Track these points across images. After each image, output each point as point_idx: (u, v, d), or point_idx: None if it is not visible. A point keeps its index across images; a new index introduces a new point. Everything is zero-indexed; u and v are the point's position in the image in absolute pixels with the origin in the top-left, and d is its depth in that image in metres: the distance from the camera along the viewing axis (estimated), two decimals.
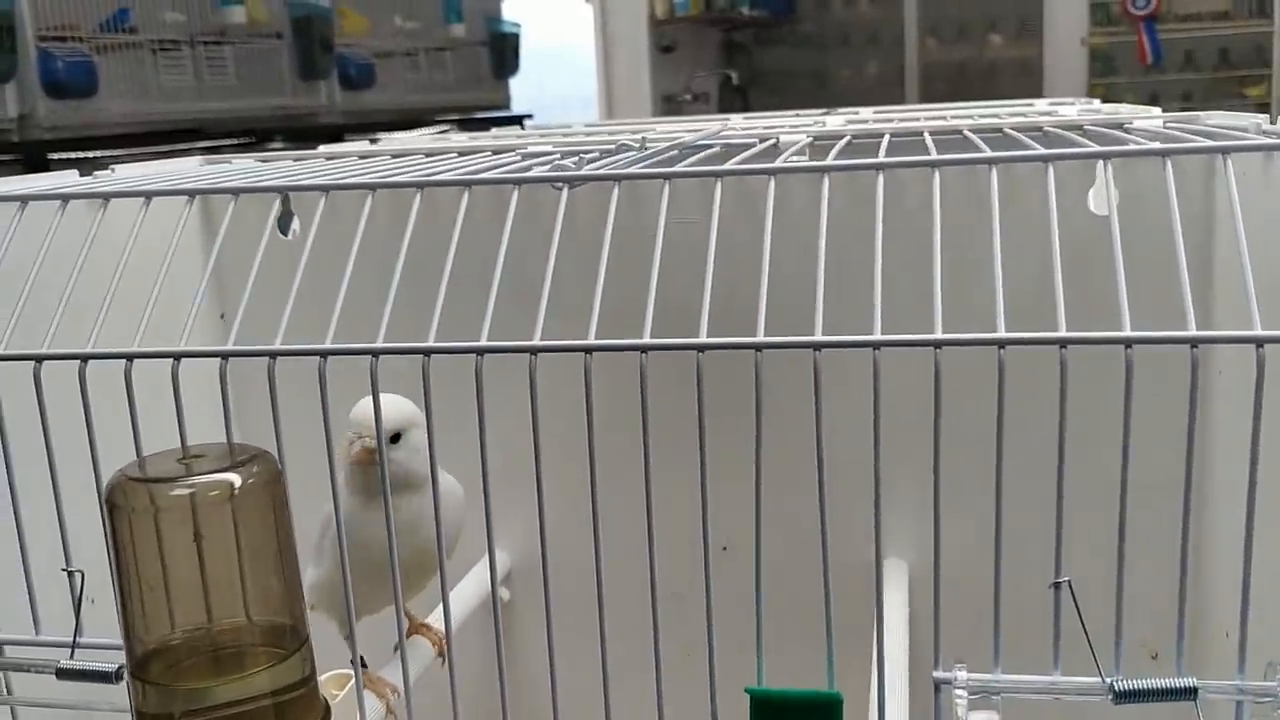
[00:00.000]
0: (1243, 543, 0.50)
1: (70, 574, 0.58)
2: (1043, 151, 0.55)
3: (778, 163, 0.59)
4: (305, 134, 2.98)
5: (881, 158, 0.58)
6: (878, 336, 0.50)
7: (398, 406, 0.72)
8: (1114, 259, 0.51)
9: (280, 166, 0.79)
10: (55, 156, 2.37)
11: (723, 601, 0.55)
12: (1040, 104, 1.43)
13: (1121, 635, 0.51)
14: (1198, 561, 0.77)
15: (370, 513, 0.69)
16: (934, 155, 0.56)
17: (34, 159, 2.32)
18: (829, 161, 0.57)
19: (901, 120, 1.12)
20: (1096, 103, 1.31)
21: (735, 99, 4.87)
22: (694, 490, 0.53)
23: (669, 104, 4.65)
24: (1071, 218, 0.78)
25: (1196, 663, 0.86)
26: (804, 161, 0.58)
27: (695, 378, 0.51)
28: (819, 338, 0.51)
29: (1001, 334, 0.49)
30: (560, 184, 0.57)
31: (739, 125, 1.12)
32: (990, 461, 0.50)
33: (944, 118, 1.09)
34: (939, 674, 0.50)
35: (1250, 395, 0.48)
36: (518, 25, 3.64)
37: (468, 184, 0.58)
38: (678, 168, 0.57)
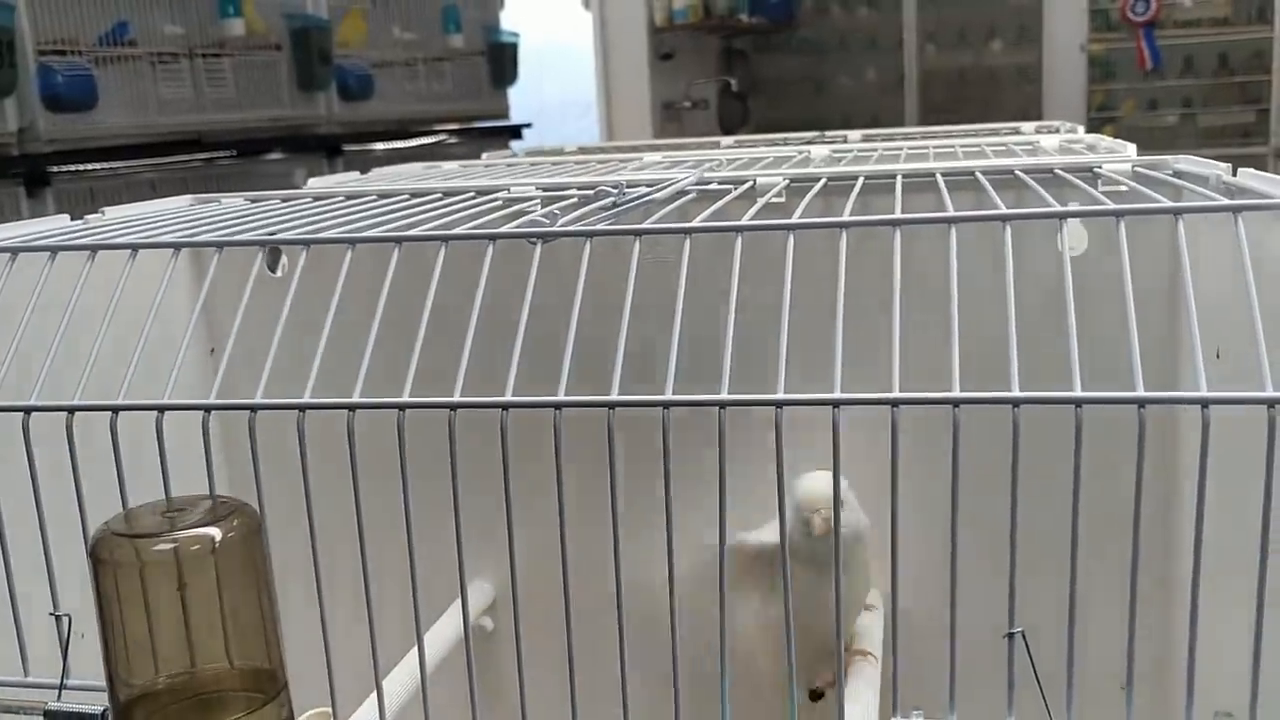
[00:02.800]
0: (1208, 584, 0.52)
1: (58, 618, 0.59)
2: (1001, 212, 0.56)
3: (745, 219, 0.61)
4: (304, 144, 3.00)
5: (845, 216, 0.59)
6: (837, 395, 0.52)
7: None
8: (1067, 318, 0.53)
9: (267, 208, 0.81)
10: (55, 169, 2.38)
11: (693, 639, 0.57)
12: (1027, 128, 1.45)
13: (1073, 683, 0.53)
14: (1166, 601, 0.78)
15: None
16: (896, 215, 0.57)
17: (34, 172, 2.34)
18: (794, 220, 0.58)
19: (885, 150, 1.14)
20: (1080, 130, 1.32)
21: (735, 106, 4.88)
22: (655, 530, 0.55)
23: (668, 111, 4.66)
24: (1048, 263, 0.79)
25: (1164, 695, 0.88)
26: (767, 220, 0.60)
27: (661, 427, 0.53)
28: (781, 395, 0.53)
29: (956, 394, 0.51)
30: (534, 240, 0.59)
31: (725, 155, 1.14)
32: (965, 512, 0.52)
33: (926, 149, 1.11)
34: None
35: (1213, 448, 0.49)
36: (516, 35, 3.65)
37: (444, 239, 0.60)
38: (647, 224, 0.59)
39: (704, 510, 0.57)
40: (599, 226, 0.59)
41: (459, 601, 0.89)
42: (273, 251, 0.86)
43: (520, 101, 3.84)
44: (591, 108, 4.78)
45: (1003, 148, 1.08)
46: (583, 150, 1.45)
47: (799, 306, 0.57)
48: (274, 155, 2.97)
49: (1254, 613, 0.51)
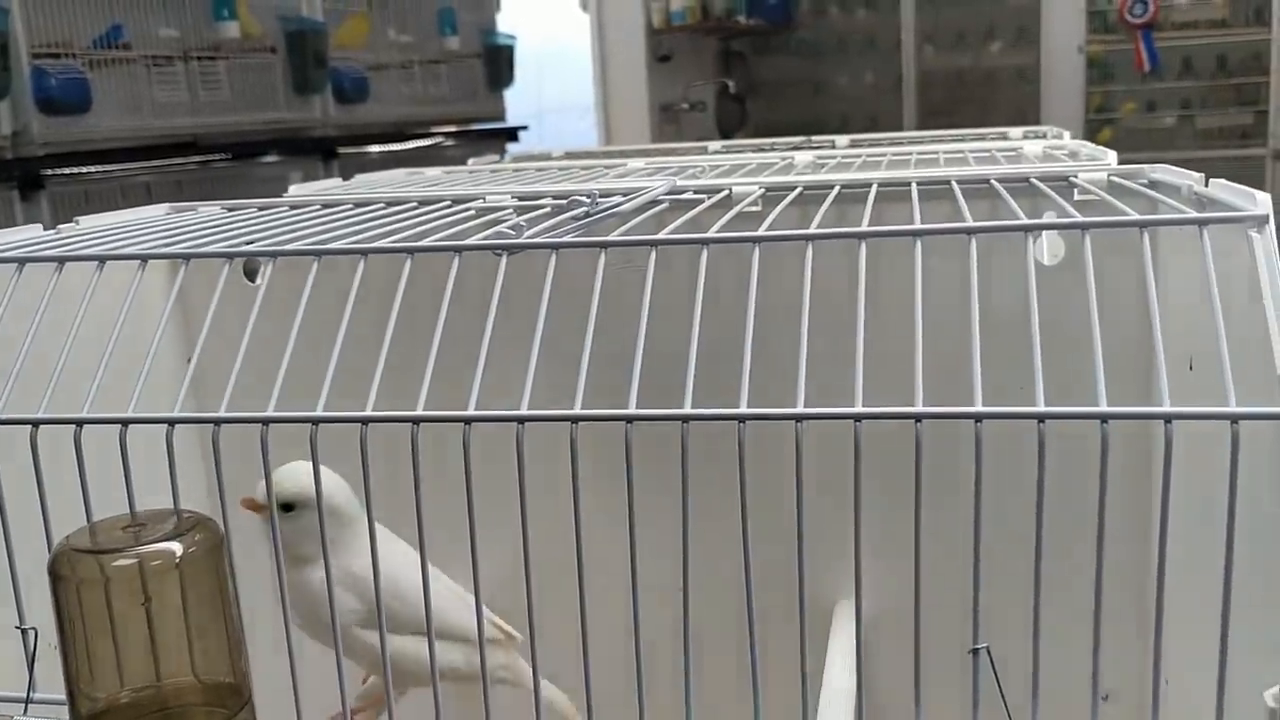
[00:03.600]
0: (1188, 596, 0.52)
1: (24, 632, 0.59)
2: (966, 225, 0.56)
3: (715, 228, 0.61)
4: (300, 147, 3.00)
5: (814, 229, 0.59)
6: (800, 409, 0.52)
7: (295, 478, 0.74)
8: (1032, 331, 0.53)
9: (243, 217, 0.81)
10: (49, 173, 2.38)
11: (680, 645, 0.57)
12: (1015, 133, 1.45)
13: (1038, 698, 0.52)
14: (1146, 611, 0.78)
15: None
16: (862, 228, 0.57)
17: (28, 176, 2.34)
18: (760, 233, 0.58)
19: (869, 157, 1.14)
20: (1066, 136, 1.32)
21: (733, 108, 4.88)
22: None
23: (666, 113, 4.66)
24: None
25: (1144, 706, 0.88)
26: (738, 230, 0.60)
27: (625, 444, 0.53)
28: (744, 409, 0.52)
29: (919, 409, 0.51)
30: (499, 251, 0.59)
31: (708, 161, 1.14)
32: (937, 524, 0.52)
33: (909, 156, 1.11)
34: None
35: (1187, 461, 0.49)
36: (513, 37, 3.65)
37: (410, 251, 0.60)
38: (613, 236, 0.59)
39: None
40: (566, 239, 0.59)
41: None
42: (250, 261, 0.86)
43: (519, 103, 3.84)
44: (590, 109, 4.78)
45: (985, 154, 1.07)
46: (569, 155, 1.45)
47: (768, 317, 0.57)
48: (269, 158, 2.97)
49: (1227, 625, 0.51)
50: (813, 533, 0.58)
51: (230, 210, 0.85)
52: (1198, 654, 0.59)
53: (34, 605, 0.61)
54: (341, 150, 3.08)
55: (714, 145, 1.49)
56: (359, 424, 0.55)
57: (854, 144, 1.44)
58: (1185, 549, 0.56)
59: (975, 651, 0.51)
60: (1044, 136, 1.35)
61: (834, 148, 1.39)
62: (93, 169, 2.52)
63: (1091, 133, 4.77)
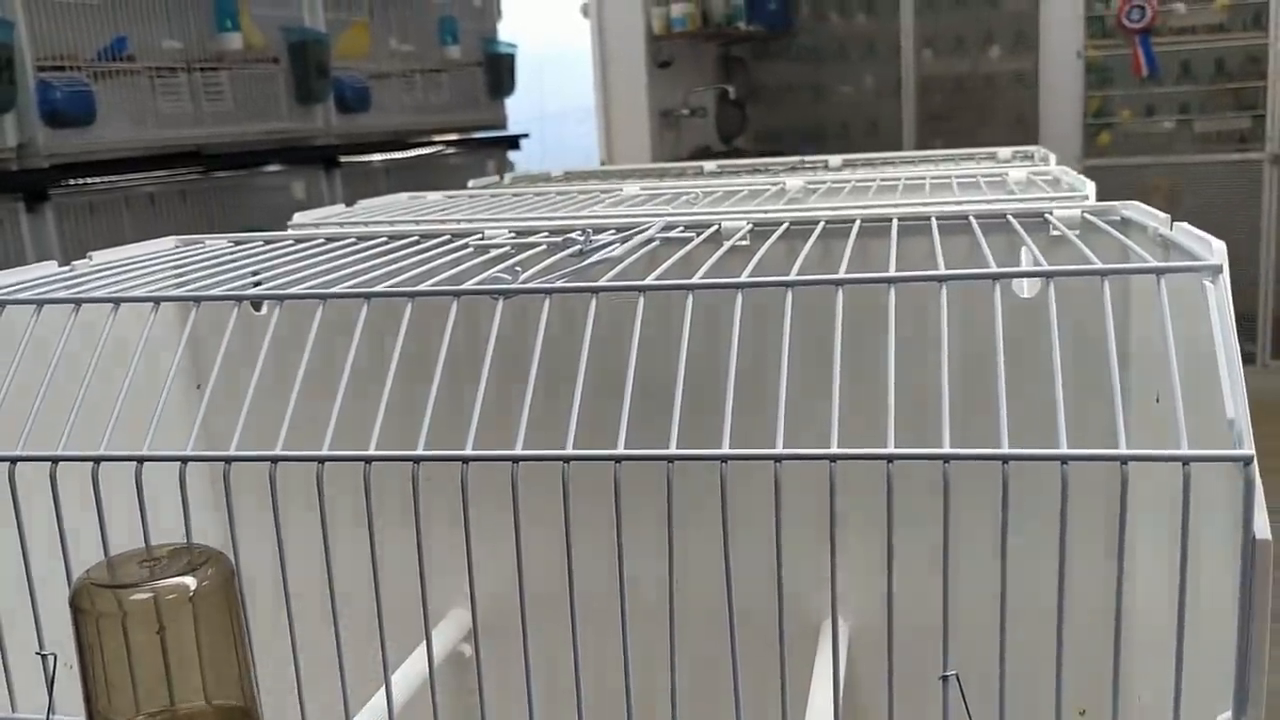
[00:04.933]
0: (1157, 624, 0.54)
1: (44, 657, 0.62)
2: (939, 273, 0.59)
3: (704, 268, 0.64)
4: (303, 156, 3.03)
5: (794, 274, 0.62)
6: (779, 450, 0.55)
7: None
8: (996, 374, 0.56)
9: (250, 251, 0.84)
10: (54, 185, 2.41)
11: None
12: (1004, 154, 1.48)
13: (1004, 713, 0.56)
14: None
15: None
16: (840, 274, 0.60)
17: (34, 188, 2.37)
18: (742, 279, 0.61)
19: (859, 182, 1.17)
20: (1052, 160, 1.35)
21: (733, 114, 4.91)
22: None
23: (666, 119, 4.69)
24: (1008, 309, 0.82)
25: None
26: (720, 275, 0.63)
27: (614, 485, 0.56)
28: (725, 450, 0.56)
29: (890, 450, 0.54)
30: (496, 296, 0.62)
31: (701, 187, 1.17)
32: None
33: (897, 181, 1.14)
34: None
35: (1164, 490, 0.52)
36: (514, 46, 3.69)
37: (410, 295, 0.63)
38: (602, 281, 0.62)
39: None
40: (559, 284, 0.62)
41: (439, 626, 0.92)
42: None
43: (520, 107, 3.87)
44: (591, 114, 4.81)
45: (971, 179, 1.11)
46: (568, 176, 1.48)
47: (754, 355, 0.60)
48: (272, 168, 3.00)
49: (1181, 659, 0.54)
50: (803, 554, 0.61)
51: (237, 245, 0.88)
52: (1170, 676, 0.62)
53: (50, 627, 0.64)
54: (343, 159, 3.11)
55: (709, 165, 1.52)
56: (362, 463, 0.58)
57: (846, 164, 1.47)
58: (1163, 573, 0.59)
59: (945, 679, 0.54)
60: (1031, 158, 1.38)
61: (826, 169, 1.42)
62: (97, 180, 2.55)
63: (1090, 137, 4.80)
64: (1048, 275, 0.58)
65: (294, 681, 0.63)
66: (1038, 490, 0.57)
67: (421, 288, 0.64)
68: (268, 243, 0.87)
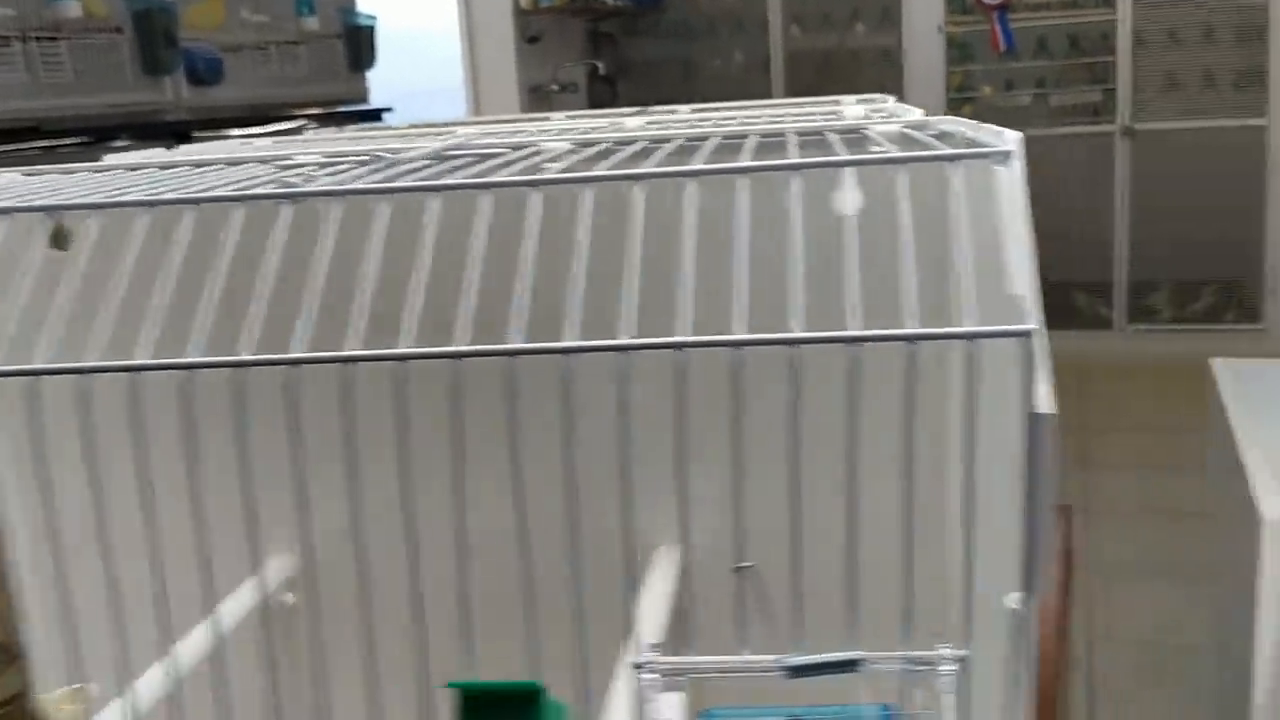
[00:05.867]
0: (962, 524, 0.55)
1: None
2: (738, 165, 0.59)
3: (491, 177, 0.62)
4: (151, 131, 2.91)
5: (597, 170, 0.61)
6: (569, 343, 0.53)
7: None
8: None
9: (44, 181, 0.80)
10: None
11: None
12: (848, 100, 1.49)
13: (803, 617, 0.55)
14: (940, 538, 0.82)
15: None
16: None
17: None
18: (539, 180, 0.60)
19: (698, 120, 1.16)
20: (891, 101, 1.36)
21: (603, 89, 4.90)
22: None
23: (536, 94, 4.65)
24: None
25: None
26: (510, 177, 0.61)
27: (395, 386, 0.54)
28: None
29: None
30: (283, 200, 0.59)
31: (538, 126, 1.15)
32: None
33: (736, 118, 1.13)
34: (636, 658, 0.53)
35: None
36: (374, 18, 3.61)
37: (195, 201, 0.60)
38: (380, 184, 0.60)
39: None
40: (352, 185, 0.59)
41: (256, 578, 0.88)
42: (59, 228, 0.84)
43: (389, 88, 3.79)
44: (459, 93, 4.74)
45: (807, 117, 1.11)
46: (413, 126, 1.45)
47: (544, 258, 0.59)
48: (120, 142, 2.88)
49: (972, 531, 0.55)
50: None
51: (28, 176, 0.84)
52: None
53: None
54: (196, 134, 3.01)
55: (557, 115, 1.50)
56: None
57: (695, 111, 1.47)
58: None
59: (740, 569, 0.53)
60: (873, 102, 1.39)
61: (675, 114, 1.41)
62: None
63: (953, 110, 4.91)
64: (840, 165, 0.57)
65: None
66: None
67: (206, 194, 0.60)
68: (65, 174, 0.82)
